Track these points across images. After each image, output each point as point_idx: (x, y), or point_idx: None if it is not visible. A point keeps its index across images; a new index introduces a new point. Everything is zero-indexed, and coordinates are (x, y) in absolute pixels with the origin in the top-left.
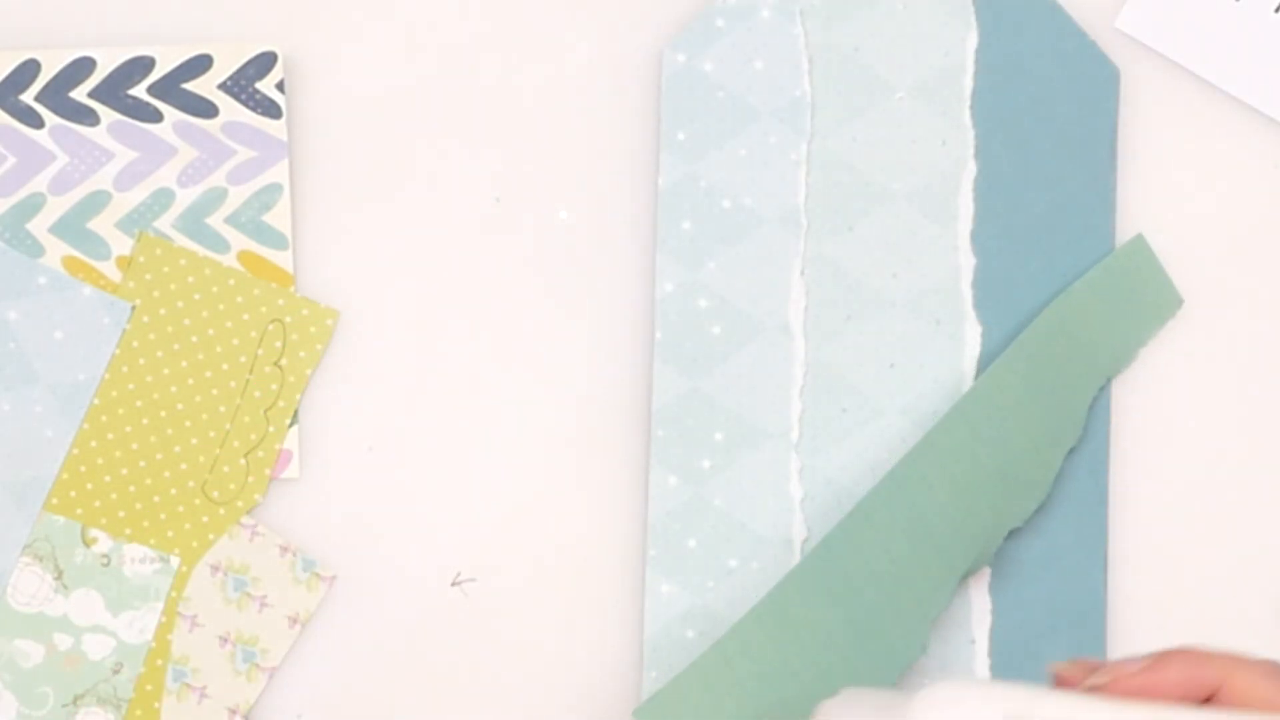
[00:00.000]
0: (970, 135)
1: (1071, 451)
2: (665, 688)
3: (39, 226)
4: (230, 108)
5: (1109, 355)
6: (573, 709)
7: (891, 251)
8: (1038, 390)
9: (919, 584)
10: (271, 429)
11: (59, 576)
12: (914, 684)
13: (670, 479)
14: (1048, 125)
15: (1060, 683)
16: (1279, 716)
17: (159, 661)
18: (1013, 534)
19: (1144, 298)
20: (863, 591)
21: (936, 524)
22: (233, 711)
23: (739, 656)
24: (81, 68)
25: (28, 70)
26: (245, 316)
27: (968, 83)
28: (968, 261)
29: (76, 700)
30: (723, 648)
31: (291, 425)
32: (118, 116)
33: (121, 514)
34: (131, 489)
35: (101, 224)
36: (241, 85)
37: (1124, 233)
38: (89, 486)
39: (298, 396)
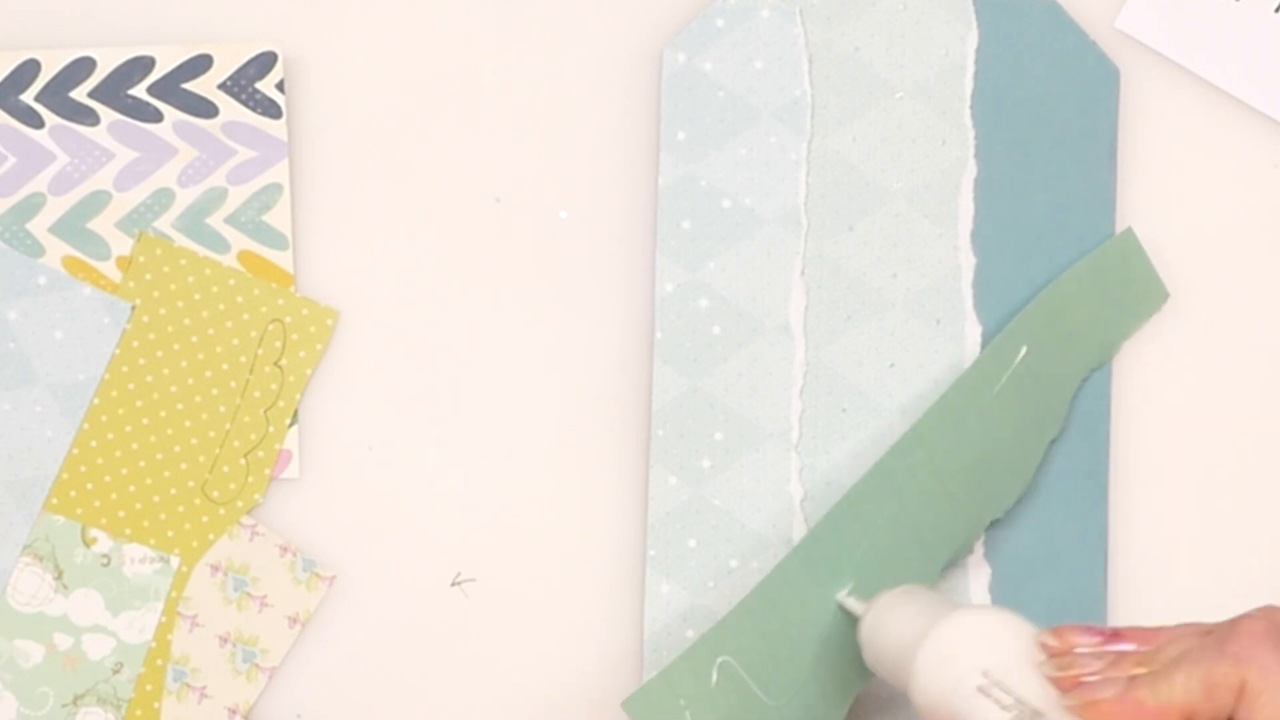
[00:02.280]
0: (970, 135)
1: (1072, 449)
2: (654, 679)
3: (39, 226)
4: (230, 108)
5: (1094, 347)
6: (573, 709)
7: (891, 251)
8: (1022, 381)
9: (901, 573)
10: (271, 429)
11: (59, 576)
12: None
13: (670, 479)
14: (1048, 125)
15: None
16: None
17: (159, 661)
18: (1013, 532)
19: (1131, 291)
20: (847, 581)
21: (920, 514)
22: (233, 711)
23: (728, 647)
24: (81, 68)
25: (28, 70)
26: (245, 316)
27: (968, 83)
28: (968, 261)
29: (76, 700)
30: (711, 639)
31: (291, 425)
32: (118, 116)
33: (121, 514)
34: (131, 489)
35: (101, 224)
36: (241, 85)
37: None
38: (89, 486)
39: (298, 396)
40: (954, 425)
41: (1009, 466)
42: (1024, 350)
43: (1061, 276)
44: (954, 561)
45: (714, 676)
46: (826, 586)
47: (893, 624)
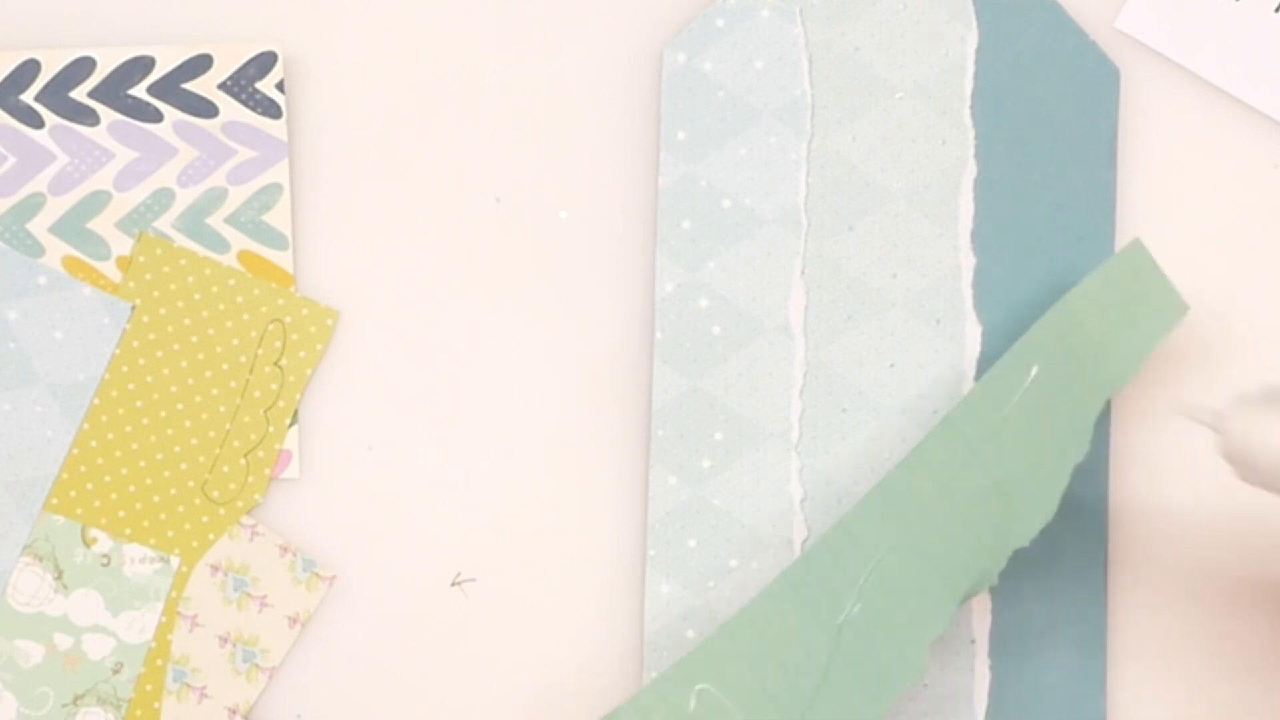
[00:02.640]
0: (970, 135)
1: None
2: (626, 704)
3: (39, 226)
4: (230, 108)
5: (1113, 367)
6: (573, 709)
7: (891, 251)
8: (1036, 403)
9: (913, 603)
10: (271, 429)
11: (59, 576)
12: (914, 692)
13: (670, 479)
14: (1048, 125)
15: None
16: None
17: (159, 661)
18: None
19: (1146, 305)
20: (849, 609)
21: (930, 541)
22: (233, 711)
23: (708, 674)
24: (81, 68)
25: (28, 70)
26: (245, 316)
27: (968, 83)
28: (968, 261)
29: (76, 700)
30: (689, 664)
31: (291, 425)
32: (118, 116)
33: (121, 514)
34: (131, 489)
35: (101, 224)
36: (241, 85)
37: (1124, 232)
38: (89, 486)
39: (298, 396)
40: (962, 447)
41: (1030, 492)
42: (1035, 370)
43: (1068, 294)
44: (977, 590)
45: (691, 704)
46: (823, 614)
47: (1274, 423)
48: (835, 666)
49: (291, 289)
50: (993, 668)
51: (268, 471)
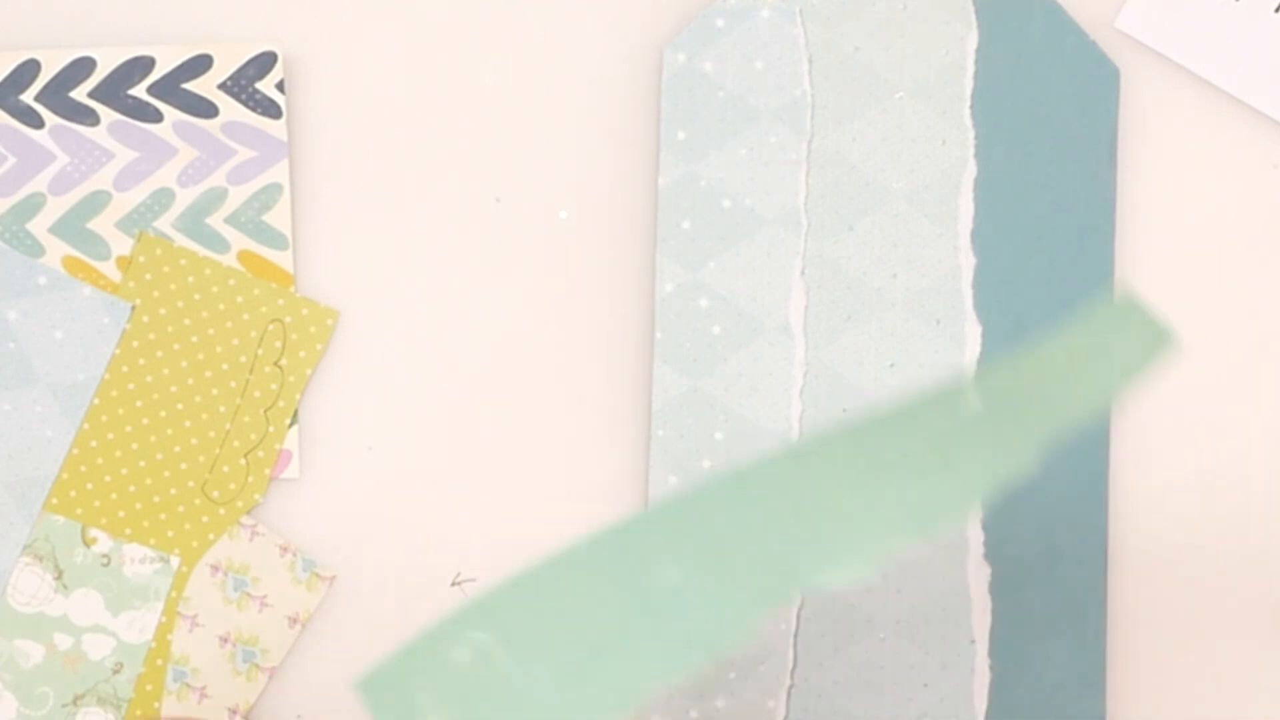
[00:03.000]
0: (970, 135)
1: (1071, 448)
2: (392, 655)
3: (39, 226)
4: (230, 108)
5: (1075, 397)
6: None
7: (891, 251)
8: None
9: (752, 577)
10: (271, 429)
11: (59, 576)
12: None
13: (670, 479)
14: (1048, 125)
15: None
16: None
17: (159, 661)
18: (1013, 532)
19: (1120, 335)
20: (662, 575)
21: (788, 523)
22: (233, 711)
23: (486, 622)
24: (81, 68)
25: (28, 70)
26: (245, 316)
27: (968, 83)
28: (968, 261)
29: (76, 700)
30: (464, 613)
31: (291, 425)
32: (118, 116)
33: (121, 514)
34: (131, 489)
35: (101, 224)
36: (241, 85)
37: (1124, 232)
38: (89, 486)
39: (298, 396)
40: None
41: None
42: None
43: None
44: (840, 574)
45: (464, 654)
46: (625, 576)
47: None
48: (640, 628)
49: (291, 289)
50: (993, 668)
51: (268, 471)
